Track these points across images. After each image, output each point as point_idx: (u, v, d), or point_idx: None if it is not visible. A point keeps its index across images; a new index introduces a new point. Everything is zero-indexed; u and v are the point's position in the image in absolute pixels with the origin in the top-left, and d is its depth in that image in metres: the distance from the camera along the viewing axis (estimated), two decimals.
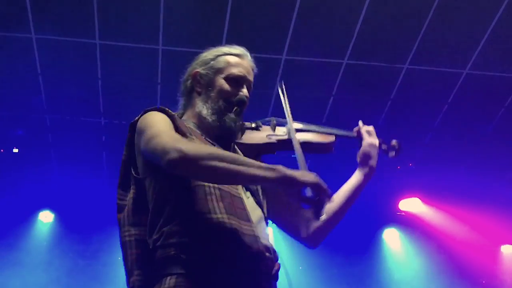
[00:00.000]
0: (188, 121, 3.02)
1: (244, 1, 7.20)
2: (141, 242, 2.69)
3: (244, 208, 2.71)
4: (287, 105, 3.23)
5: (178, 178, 2.63)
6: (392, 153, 3.37)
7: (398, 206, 10.18)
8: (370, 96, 8.33)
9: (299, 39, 7.48)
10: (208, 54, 3.14)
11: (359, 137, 3.27)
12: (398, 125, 8.64)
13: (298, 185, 2.49)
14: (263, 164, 2.54)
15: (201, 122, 2.98)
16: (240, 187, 2.81)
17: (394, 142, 3.35)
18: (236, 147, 3.07)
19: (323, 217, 2.63)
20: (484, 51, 7.68)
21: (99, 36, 7.41)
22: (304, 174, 2.52)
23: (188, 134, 2.78)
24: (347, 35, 7.51)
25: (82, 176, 9.64)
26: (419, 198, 10.02)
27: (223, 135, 3.00)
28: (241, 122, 3.07)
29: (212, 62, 3.08)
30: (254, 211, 2.79)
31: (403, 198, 10.09)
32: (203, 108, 3.00)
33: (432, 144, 8.95)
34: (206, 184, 2.66)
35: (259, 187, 2.95)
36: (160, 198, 2.67)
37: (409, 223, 10.32)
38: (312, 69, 7.76)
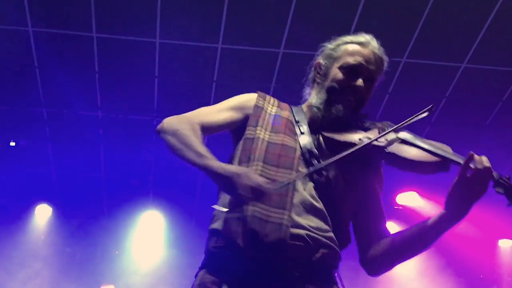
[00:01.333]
0: (299, 112, 3.01)
1: None
2: None
3: (282, 195, 2.65)
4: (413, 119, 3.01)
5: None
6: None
7: (395, 200, 10.18)
8: None
9: (297, 33, 7.47)
10: (332, 44, 3.08)
11: (467, 166, 2.57)
12: (395, 119, 8.51)
13: (212, 178, 2.49)
14: (201, 152, 2.55)
15: (310, 113, 2.96)
16: (296, 162, 2.76)
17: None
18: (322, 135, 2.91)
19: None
20: (482, 45, 7.64)
21: (96, 29, 7.40)
22: (221, 167, 2.48)
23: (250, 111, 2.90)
24: (345, 28, 7.31)
25: (80, 169, 9.62)
26: (417, 192, 10.03)
27: (316, 117, 2.93)
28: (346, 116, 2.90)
29: (332, 52, 3.03)
30: (306, 196, 2.71)
31: (400, 192, 10.08)
32: (314, 98, 2.98)
33: (430, 138, 8.70)
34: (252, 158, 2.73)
35: (337, 179, 2.79)
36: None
37: (406, 218, 10.15)
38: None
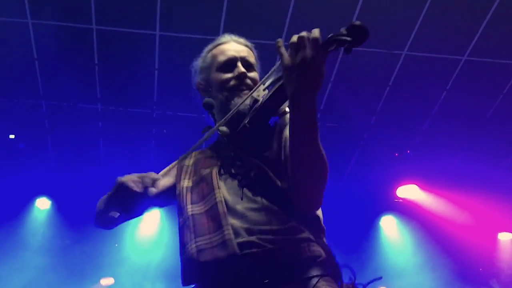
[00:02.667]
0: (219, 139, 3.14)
1: None
2: None
3: (215, 217, 2.69)
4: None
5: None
6: (348, 47, 2.38)
7: (395, 193, 10.18)
8: (368, 82, 8.28)
9: (298, 26, 7.39)
10: (198, 61, 3.20)
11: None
12: (396, 111, 8.66)
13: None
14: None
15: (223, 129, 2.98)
16: (216, 186, 2.80)
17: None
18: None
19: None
20: (482, 37, 7.64)
21: (96, 21, 7.39)
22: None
23: (175, 171, 3.06)
24: (346, 20, 7.42)
25: (79, 162, 9.67)
26: (417, 185, 10.02)
27: (239, 120, 2.89)
28: (251, 99, 2.87)
29: (202, 65, 3.14)
30: (244, 204, 2.73)
31: (401, 185, 10.09)
32: (217, 112, 3.03)
33: (430, 130, 8.96)
34: (182, 217, 2.82)
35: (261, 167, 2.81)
36: None
37: (406, 210, 10.37)
38: None
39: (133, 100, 8.56)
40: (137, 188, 2.66)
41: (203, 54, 3.18)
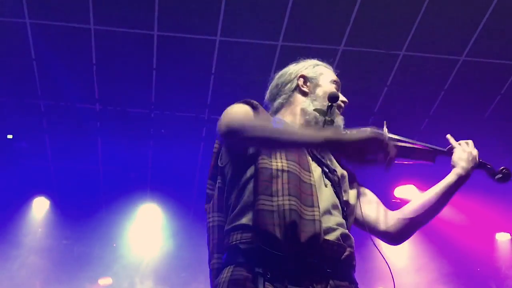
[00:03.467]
0: (280, 120, 3.14)
1: None
2: (222, 228, 2.82)
3: (311, 194, 2.72)
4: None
5: (249, 161, 2.78)
6: (498, 176, 3.35)
7: (393, 193, 10.23)
8: (365, 82, 8.29)
9: (295, 25, 7.47)
10: (307, 62, 3.32)
11: (450, 153, 3.33)
12: (394, 111, 8.69)
13: (346, 146, 2.47)
14: (308, 131, 2.76)
15: (302, 118, 3.11)
16: (318, 176, 2.84)
17: (503, 168, 3.34)
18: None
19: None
20: (480, 38, 7.63)
21: (94, 21, 7.39)
22: (354, 133, 2.48)
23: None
24: (344, 21, 7.47)
25: (77, 162, 9.65)
26: (415, 185, 10.05)
27: None
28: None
29: (313, 68, 3.27)
30: (328, 199, 2.81)
31: (399, 185, 10.15)
32: (309, 104, 3.13)
33: (428, 130, 8.94)
34: (274, 167, 2.72)
35: (343, 179, 2.99)
36: (231, 183, 2.84)
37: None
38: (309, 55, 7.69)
39: (131, 100, 8.64)
40: None
41: (311, 63, 3.32)
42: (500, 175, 3.31)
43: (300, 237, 2.59)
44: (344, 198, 2.96)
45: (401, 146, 3.23)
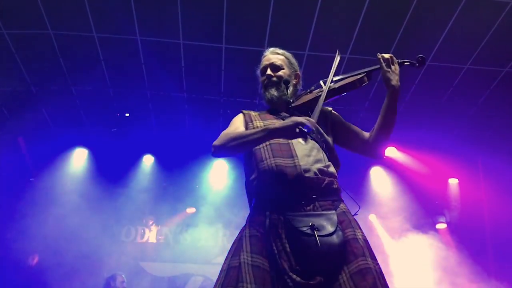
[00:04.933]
0: (271, 109, 3.21)
1: None
2: None
3: (289, 150, 2.82)
4: (334, 66, 3.22)
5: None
6: (417, 65, 3.04)
7: None
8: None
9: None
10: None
11: (381, 66, 3.01)
12: (382, 98, 8.41)
13: (280, 133, 2.70)
14: (256, 130, 2.79)
15: (273, 104, 3.19)
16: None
17: (418, 57, 3.03)
18: (292, 108, 3.13)
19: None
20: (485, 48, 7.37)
21: (183, 37, 7.33)
22: (284, 123, 2.67)
23: (249, 122, 3.05)
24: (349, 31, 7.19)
25: (172, 132, 9.49)
26: (395, 147, 10.05)
27: (273, 105, 3.16)
28: (278, 94, 3.13)
29: (258, 73, 3.34)
30: (304, 148, 2.85)
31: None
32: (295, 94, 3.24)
33: (404, 112, 8.85)
34: (261, 145, 2.89)
35: (317, 130, 2.95)
36: (244, 160, 3.05)
37: (388, 164, 10.35)
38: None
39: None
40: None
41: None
42: (417, 64, 3.03)
43: (287, 179, 2.71)
44: (321, 141, 2.95)
45: (331, 90, 3.04)
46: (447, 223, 10.56)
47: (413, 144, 9.73)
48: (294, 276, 2.49)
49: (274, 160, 2.79)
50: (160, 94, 8.64)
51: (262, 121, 3.04)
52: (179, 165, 9.93)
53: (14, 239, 8.59)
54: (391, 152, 10.09)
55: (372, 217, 10.50)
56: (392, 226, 10.02)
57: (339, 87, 3.02)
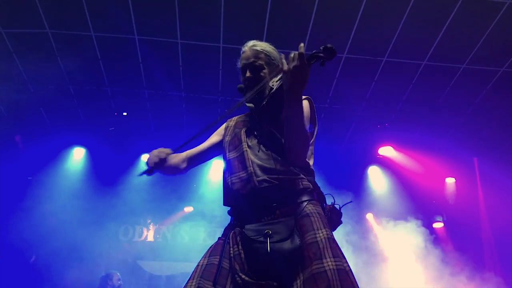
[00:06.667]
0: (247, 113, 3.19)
1: None
2: None
3: (243, 161, 2.83)
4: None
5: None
6: (323, 62, 2.63)
7: (378, 151, 10.17)
8: (361, 77, 8.05)
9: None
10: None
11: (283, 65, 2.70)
12: (378, 98, 8.52)
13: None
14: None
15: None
16: (253, 143, 2.92)
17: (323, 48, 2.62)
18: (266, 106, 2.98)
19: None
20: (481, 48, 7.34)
21: (180, 37, 7.29)
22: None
23: (225, 135, 3.12)
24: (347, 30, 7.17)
25: (169, 131, 9.41)
26: (392, 147, 10.05)
27: (261, 99, 2.98)
28: (253, 94, 2.90)
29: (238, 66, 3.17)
30: (257, 154, 2.84)
31: (381, 146, 10.06)
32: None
33: (402, 110, 8.86)
34: (224, 165, 2.97)
35: (271, 133, 2.89)
36: None
37: (385, 163, 10.37)
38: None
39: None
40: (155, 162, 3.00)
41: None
42: (323, 55, 2.61)
43: (243, 195, 2.74)
44: (277, 146, 2.85)
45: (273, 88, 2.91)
46: (444, 222, 10.56)
47: (410, 143, 9.70)
48: (243, 276, 2.54)
49: (230, 178, 2.83)
50: (158, 93, 8.57)
51: (233, 130, 3.07)
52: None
53: (11, 237, 8.56)
54: (388, 151, 10.10)
55: (369, 216, 10.51)
56: (388, 225, 10.00)
57: (276, 90, 2.91)
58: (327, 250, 2.55)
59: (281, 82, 2.81)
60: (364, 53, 7.53)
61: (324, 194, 2.91)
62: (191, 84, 8.38)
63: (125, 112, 8.97)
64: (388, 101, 8.70)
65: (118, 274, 8.32)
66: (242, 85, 3.05)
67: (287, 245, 2.55)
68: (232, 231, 2.75)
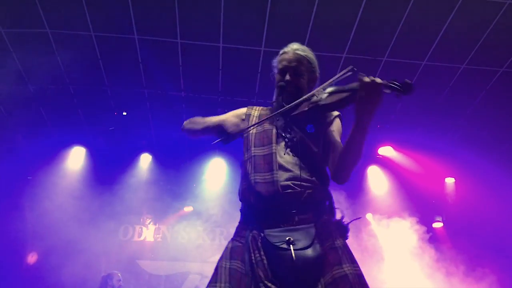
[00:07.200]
0: (274, 108, 3.09)
1: None
2: None
3: (270, 162, 2.81)
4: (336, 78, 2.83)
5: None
6: (398, 94, 2.57)
7: (377, 151, 10.19)
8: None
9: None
10: (275, 59, 3.18)
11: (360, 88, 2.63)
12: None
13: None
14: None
15: (276, 104, 3.05)
16: (281, 146, 2.88)
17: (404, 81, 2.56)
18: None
19: None
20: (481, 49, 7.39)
21: (180, 37, 7.32)
22: None
23: (244, 116, 3.14)
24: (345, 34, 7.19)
25: (169, 131, 9.35)
26: (392, 147, 10.06)
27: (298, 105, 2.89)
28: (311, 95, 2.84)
29: (274, 64, 3.16)
30: (286, 157, 2.84)
31: (381, 146, 10.07)
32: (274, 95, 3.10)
33: (401, 111, 8.87)
34: (245, 157, 2.93)
35: (303, 141, 2.87)
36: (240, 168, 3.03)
37: (384, 163, 10.37)
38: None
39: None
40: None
41: (277, 57, 3.15)
42: (402, 90, 2.56)
43: (265, 198, 2.73)
44: (304, 154, 2.86)
45: (316, 105, 2.82)
46: (444, 222, 10.56)
47: (410, 144, 9.71)
48: (269, 284, 2.57)
49: (254, 176, 2.82)
50: (158, 93, 8.55)
51: (261, 124, 3.03)
52: (176, 163, 9.91)
53: (12, 237, 8.57)
54: (387, 151, 10.10)
55: (368, 216, 10.48)
56: (388, 225, 10.00)
57: (323, 104, 2.81)
58: (345, 256, 2.68)
59: (333, 98, 2.78)
60: (364, 53, 7.53)
61: (334, 206, 2.94)
62: (191, 84, 8.36)
63: (125, 111, 8.96)
64: (388, 101, 8.43)
65: (119, 274, 8.33)
66: (283, 84, 3.00)
67: (310, 252, 2.60)
68: (251, 235, 2.74)
